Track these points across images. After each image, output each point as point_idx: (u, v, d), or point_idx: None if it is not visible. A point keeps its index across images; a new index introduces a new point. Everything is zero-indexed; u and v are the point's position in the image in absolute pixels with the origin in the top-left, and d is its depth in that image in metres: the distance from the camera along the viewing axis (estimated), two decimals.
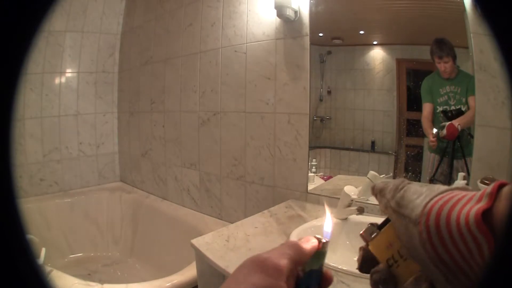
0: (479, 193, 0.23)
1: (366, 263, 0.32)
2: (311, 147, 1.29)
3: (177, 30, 1.82)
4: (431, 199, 0.25)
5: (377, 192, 0.32)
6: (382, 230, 0.32)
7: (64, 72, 2.13)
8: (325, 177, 1.37)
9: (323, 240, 0.31)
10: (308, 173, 1.30)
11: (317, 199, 1.26)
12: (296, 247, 0.29)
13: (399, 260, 0.30)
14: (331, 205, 1.19)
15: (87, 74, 2.22)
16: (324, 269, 0.31)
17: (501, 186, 0.22)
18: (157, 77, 1.98)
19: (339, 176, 1.35)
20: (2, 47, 0.15)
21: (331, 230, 0.34)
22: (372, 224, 0.33)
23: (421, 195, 0.26)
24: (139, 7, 2.18)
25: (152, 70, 2.02)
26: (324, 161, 1.38)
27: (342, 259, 0.94)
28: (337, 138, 1.37)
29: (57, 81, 2.11)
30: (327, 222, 0.34)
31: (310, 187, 1.30)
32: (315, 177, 1.35)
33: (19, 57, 0.15)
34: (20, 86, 0.15)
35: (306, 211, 1.18)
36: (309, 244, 0.30)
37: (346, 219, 1.03)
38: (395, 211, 0.28)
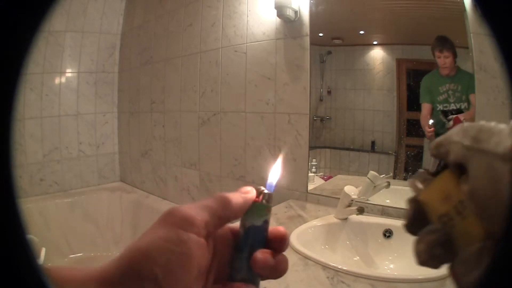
0: None
1: (416, 220, 0.25)
2: (311, 147, 1.29)
3: (177, 30, 1.82)
4: None
5: (438, 144, 0.25)
6: (439, 176, 0.25)
7: (64, 72, 2.13)
8: (325, 177, 1.37)
9: (265, 192, 0.26)
10: (308, 173, 1.30)
11: (317, 199, 1.26)
12: (221, 200, 0.24)
13: (456, 218, 0.23)
14: (331, 205, 1.20)
15: (87, 74, 2.22)
16: (274, 227, 0.26)
17: None
18: (157, 77, 1.98)
19: (339, 176, 1.35)
20: (2, 47, 0.15)
21: (276, 182, 0.28)
22: (425, 170, 0.26)
23: (504, 128, 0.21)
24: (139, 7, 2.18)
25: (152, 70, 2.02)
26: (324, 161, 1.38)
27: (342, 259, 0.94)
28: (337, 138, 1.37)
29: (57, 81, 2.11)
30: (274, 172, 0.29)
31: (310, 187, 1.30)
32: (315, 177, 1.35)
33: (19, 57, 0.15)
34: (20, 86, 0.15)
35: (306, 211, 1.18)
36: (241, 197, 0.25)
37: (346, 219, 1.03)
38: (471, 148, 0.22)
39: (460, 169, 0.23)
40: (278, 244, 0.25)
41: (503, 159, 0.19)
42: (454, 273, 0.22)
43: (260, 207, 0.25)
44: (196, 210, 0.23)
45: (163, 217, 0.23)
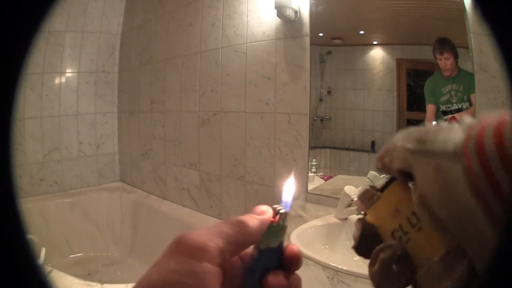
0: None
1: (366, 240, 0.23)
2: (311, 147, 1.29)
3: (177, 30, 1.82)
4: (474, 124, 0.17)
5: (382, 155, 0.23)
6: (385, 192, 0.24)
7: (64, 72, 2.13)
8: (325, 177, 1.37)
9: (281, 211, 0.24)
10: (308, 173, 1.30)
11: (317, 199, 1.26)
12: (237, 224, 0.22)
13: (410, 231, 0.21)
14: (331, 205, 1.20)
15: (87, 74, 2.22)
16: (287, 245, 0.24)
17: None
18: (157, 77, 1.98)
19: (339, 176, 1.35)
20: (2, 47, 0.15)
21: (292, 199, 0.26)
22: (371, 187, 0.25)
23: (452, 125, 0.19)
24: (139, 7, 2.18)
25: (152, 70, 2.02)
26: (324, 161, 1.38)
27: (342, 259, 0.94)
28: (337, 138, 1.37)
29: (57, 81, 2.11)
30: (288, 189, 0.26)
31: (310, 187, 1.30)
32: (315, 177, 1.35)
33: (19, 57, 0.15)
34: (20, 86, 0.15)
35: (306, 211, 1.18)
36: (257, 219, 0.23)
37: (346, 219, 1.03)
38: (417, 151, 0.20)
39: (410, 179, 0.21)
40: (292, 264, 0.24)
41: (454, 157, 0.17)
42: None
43: (277, 228, 0.24)
44: (209, 236, 0.21)
45: (173, 246, 0.21)
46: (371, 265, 0.22)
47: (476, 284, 0.17)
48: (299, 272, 0.24)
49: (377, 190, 0.24)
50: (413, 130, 0.21)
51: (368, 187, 0.25)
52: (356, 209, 1.00)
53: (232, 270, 0.23)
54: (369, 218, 0.24)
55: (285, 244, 0.24)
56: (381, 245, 0.22)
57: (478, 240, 0.16)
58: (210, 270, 0.20)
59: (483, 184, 0.15)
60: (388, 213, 0.23)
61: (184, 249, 0.20)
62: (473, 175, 0.16)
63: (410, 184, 0.22)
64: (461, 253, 0.18)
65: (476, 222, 0.16)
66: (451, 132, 0.18)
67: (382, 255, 0.21)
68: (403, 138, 0.22)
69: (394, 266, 0.20)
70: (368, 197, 0.24)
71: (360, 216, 0.25)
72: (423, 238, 0.21)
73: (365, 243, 0.23)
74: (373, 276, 0.22)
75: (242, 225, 0.22)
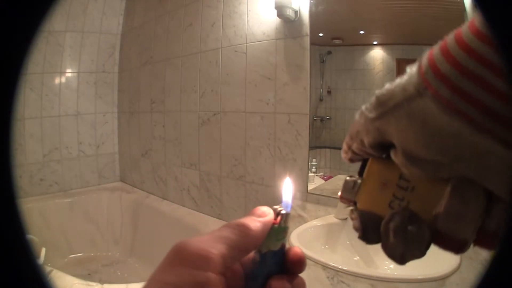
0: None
1: (369, 225, 0.23)
2: (311, 147, 1.29)
3: (177, 30, 1.82)
4: (421, 58, 0.18)
5: (348, 145, 0.23)
6: (365, 174, 0.24)
7: (64, 72, 2.13)
8: (325, 177, 1.37)
9: (282, 212, 0.23)
10: (308, 173, 1.30)
11: (317, 199, 1.26)
12: (239, 228, 0.21)
13: (405, 195, 0.22)
14: (331, 205, 1.20)
15: (87, 74, 2.22)
16: (290, 248, 0.23)
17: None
18: (157, 77, 1.98)
19: (339, 176, 1.35)
20: (2, 47, 0.15)
21: (292, 199, 0.26)
22: (349, 177, 0.25)
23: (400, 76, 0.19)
24: (139, 7, 2.18)
25: (152, 70, 2.02)
26: (324, 161, 1.38)
27: (342, 259, 0.94)
28: (337, 138, 1.37)
29: (57, 81, 2.11)
30: (287, 189, 0.26)
31: (310, 187, 1.30)
32: (315, 177, 1.35)
33: (19, 57, 0.15)
34: (20, 86, 0.15)
35: (306, 211, 1.18)
36: (259, 222, 0.22)
37: (346, 219, 1.03)
38: (383, 114, 0.19)
39: (384, 150, 0.21)
40: (295, 266, 0.23)
41: (419, 95, 0.17)
42: (445, 234, 0.19)
43: (278, 230, 0.23)
44: (210, 242, 0.19)
45: (172, 255, 0.19)
46: (385, 242, 0.21)
47: (501, 204, 0.16)
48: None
49: (356, 177, 0.25)
50: (366, 104, 0.21)
51: (346, 179, 0.25)
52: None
53: (234, 276, 0.22)
54: (360, 205, 0.24)
55: (287, 246, 0.24)
56: (386, 218, 0.21)
57: (478, 159, 0.16)
58: (214, 280, 0.18)
59: (456, 101, 0.15)
60: (377, 191, 0.23)
61: (184, 258, 0.19)
62: (443, 98, 0.16)
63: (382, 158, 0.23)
64: (467, 183, 0.18)
65: (468, 142, 0.15)
66: (404, 78, 0.18)
67: (392, 224, 0.20)
68: (362, 116, 0.21)
69: (410, 228, 0.20)
70: (351, 187, 0.24)
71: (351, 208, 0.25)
72: (422, 194, 0.21)
73: (370, 229, 0.22)
74: (393, 250, 0.21)
75: (244, 229, 0.21)
